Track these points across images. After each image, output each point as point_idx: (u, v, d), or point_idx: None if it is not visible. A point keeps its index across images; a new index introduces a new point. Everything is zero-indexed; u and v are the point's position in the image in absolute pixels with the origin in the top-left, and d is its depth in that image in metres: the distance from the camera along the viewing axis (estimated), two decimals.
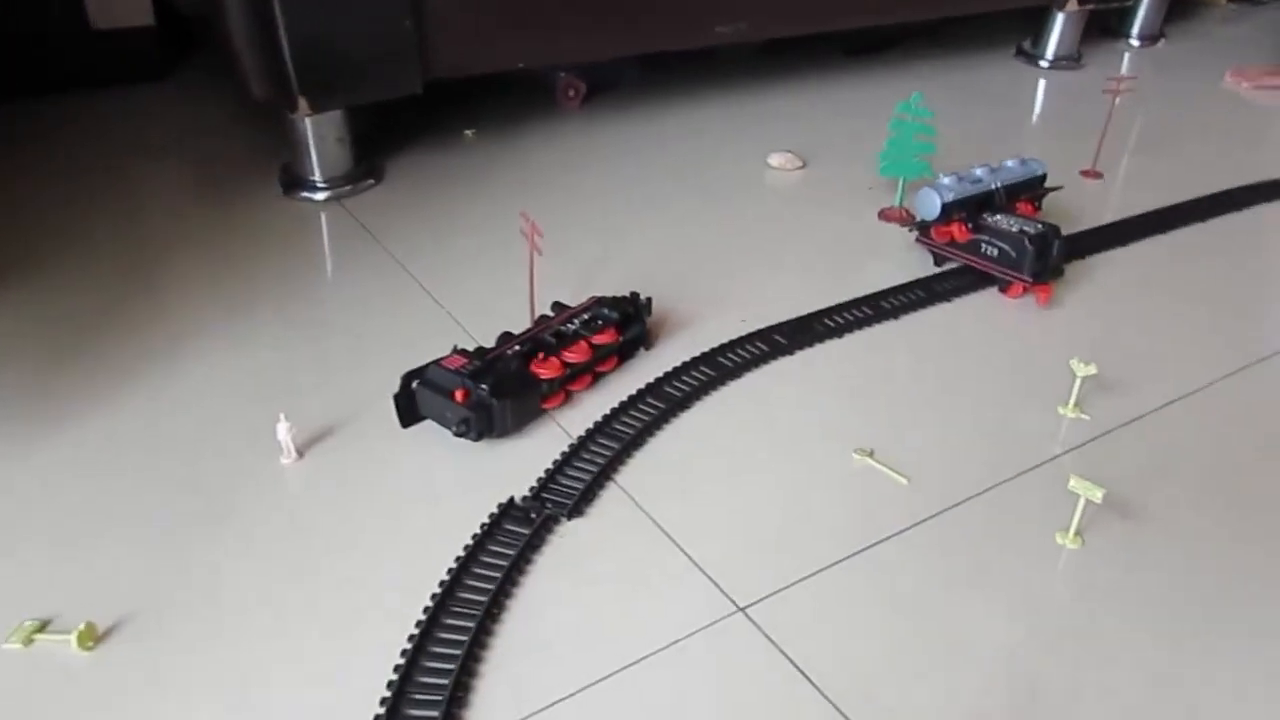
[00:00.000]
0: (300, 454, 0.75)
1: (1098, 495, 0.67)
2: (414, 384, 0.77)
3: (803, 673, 0.58)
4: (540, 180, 1.24)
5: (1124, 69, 1.76)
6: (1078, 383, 0.82)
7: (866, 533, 0.69)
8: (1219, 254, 1.11)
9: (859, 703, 0.57)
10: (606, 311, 0.86)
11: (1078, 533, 0.69)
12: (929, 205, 1.00)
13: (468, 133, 1.34)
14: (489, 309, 0.93)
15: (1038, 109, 1.59)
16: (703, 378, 0.85)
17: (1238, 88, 1.66)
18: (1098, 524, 0.71)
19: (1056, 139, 1.44)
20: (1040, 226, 0.97)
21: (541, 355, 0.80)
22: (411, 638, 0.58)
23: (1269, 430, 0.82)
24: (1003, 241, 0.98)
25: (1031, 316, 0.97)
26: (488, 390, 0.75)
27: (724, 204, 1.19)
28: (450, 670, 0.56)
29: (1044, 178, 1.08)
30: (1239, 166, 1.32)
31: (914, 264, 1.05)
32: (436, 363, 0.77)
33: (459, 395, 0.74)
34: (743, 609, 0.63)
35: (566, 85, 1.44)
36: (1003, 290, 1.00)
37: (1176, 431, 0.82)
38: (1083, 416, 0.82)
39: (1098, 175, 1.28)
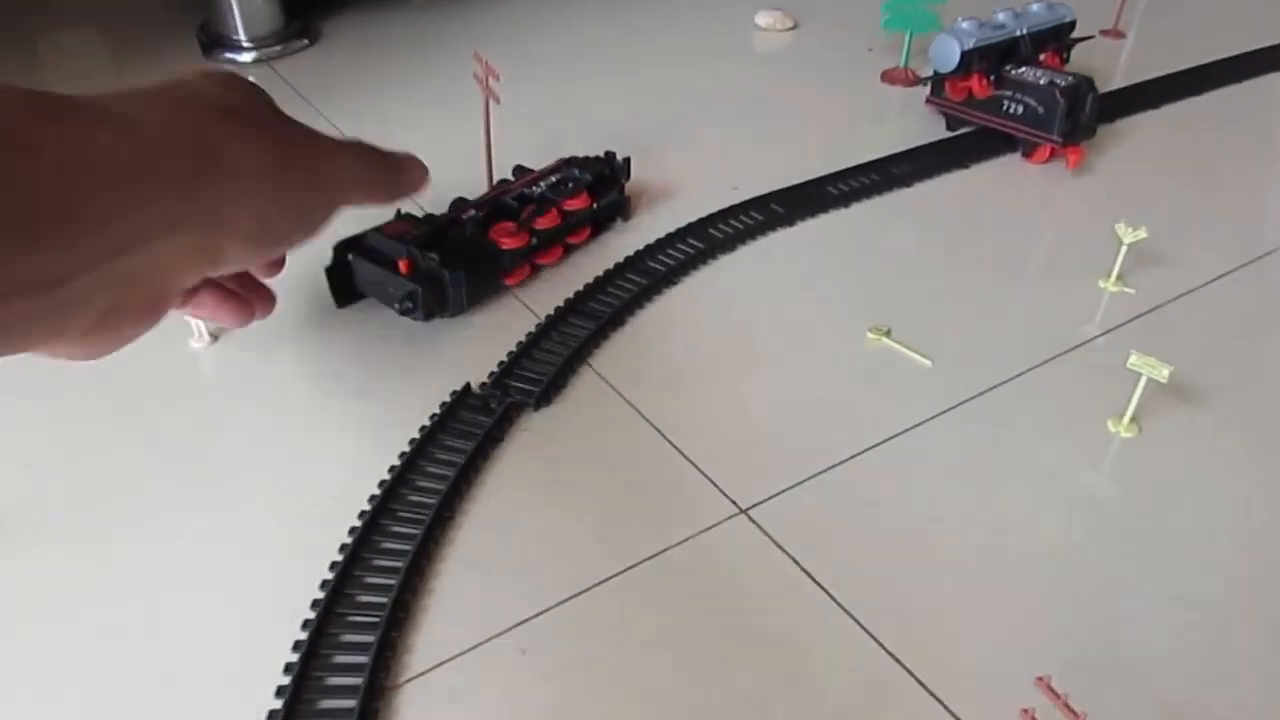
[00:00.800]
0: (214, 337, 0.63)
1: (1164, 374, 0.56)
2: (349, 255, 0.65)
3: (814, 580, 0.48)
4: (498, 42, 1.09)
5: None
6: (1123, 250, 0.71)
7: (885, 422, 0.59)
8: (1259, 116, 1.00)
9: (873, 610, 0.47)
10: (578, 173, 0.73)
11: (1134, 419, 0.59)
12: (946, 54, 0.87)
13: None
14: (439, 178, 0.80)
15: None
16: (690, 250, 0.73)
17: None
18: (1152, 410, 0.61)
19: None
20: (1071, 78, 0.85)
21: (504, 222, 0.68)
22: (344, 548, 0.47)
23: None
24: (1029, 96, 0.85)
25: (1060, 183, 0.86)
26: (438, 260, 0.62)
27: (706, 68, 1.05)
28: (390, 586, 0.45)
29: (1073, 25, 0.96)
30: (1275, 22, 1.20)
31: (923, 131, 0.93)
32: (377, 229, 0.64)
33: (403, 266, 0.62)
34: (745, 511, 0.52)
35: None
36: (1026, 155, 0.88)
37: (1230, 307, 0.71)
38: (1126, 290, 0.72)
39: (1119, 35, 1.16)
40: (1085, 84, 0.84)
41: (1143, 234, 0.70)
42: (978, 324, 0.69)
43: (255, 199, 0.28)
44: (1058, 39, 0.94)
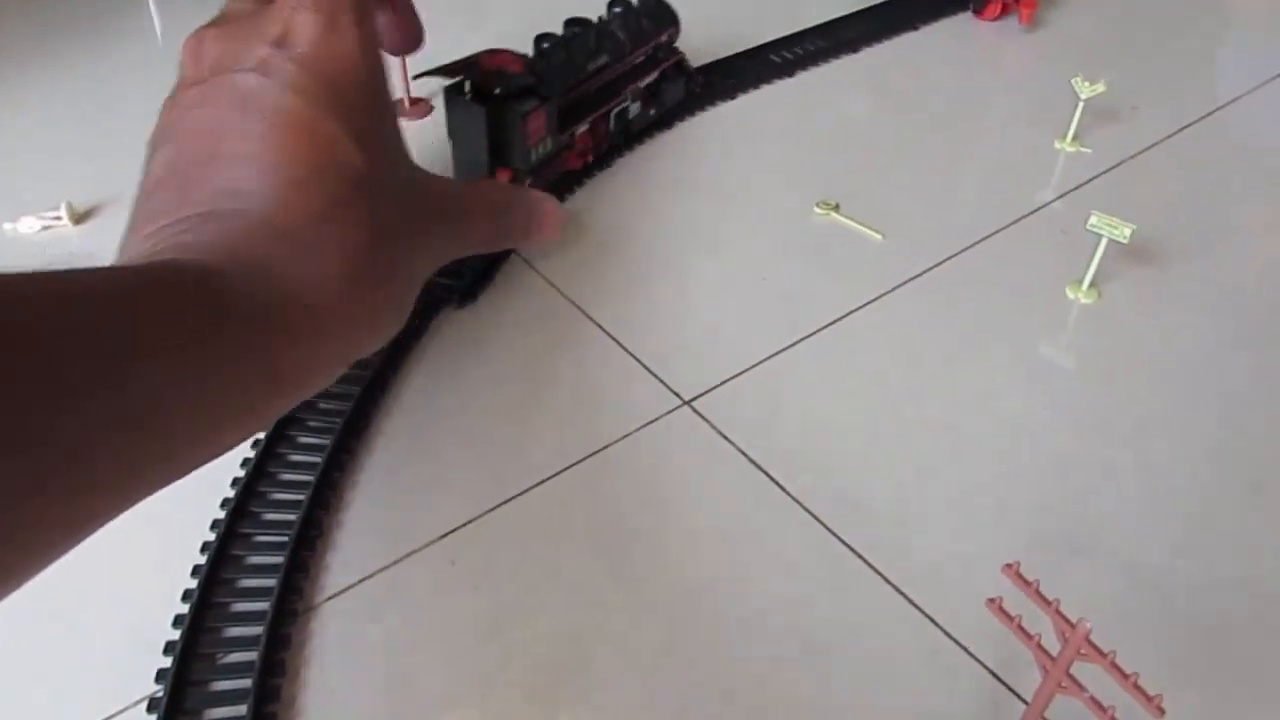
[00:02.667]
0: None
1: (1125, 233, 0.53)
2: None
3: (763, 470, 0.45)
4: None
5: None
6: (1080, 107, 0.67)
7: (835, 301, 0.55)
8: None
9: (826, 499, 0.44)
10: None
11: (1093, 284, 0.56)
12: None
13: None
14: None
15: None
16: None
17: None
18: (1111, 274, 0.58)
19: None
20: None
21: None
22: (246, 463, 0.43)
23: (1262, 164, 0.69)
24: None
25: (1013, 40, 0.81)
26: None
27: None
28: (299, 502, 0.41)
29: None
30: None
31: None
32: None
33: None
34: (688, 402, 0.49)
35: None
36: (977, 11, 0.83)
37: (1188, 164, 0.68)
38: (1083, 150, 0.68)
39: None
40: None
41: (1101, 87, 0.66)
42: (930, 193, 0.65)
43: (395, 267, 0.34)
44: None
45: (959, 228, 0.61)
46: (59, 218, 0.58)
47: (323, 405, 0.45)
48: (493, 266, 0.56)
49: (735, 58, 0.77)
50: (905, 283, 0.57)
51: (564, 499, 0.44)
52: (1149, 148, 0.69)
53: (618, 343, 0.52)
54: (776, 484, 0.45)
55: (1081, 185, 0.65)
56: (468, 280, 0.54)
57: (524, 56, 0.56)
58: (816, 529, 0.43)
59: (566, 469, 0.45)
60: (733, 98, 0.73)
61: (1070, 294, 0.56)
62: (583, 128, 0.61)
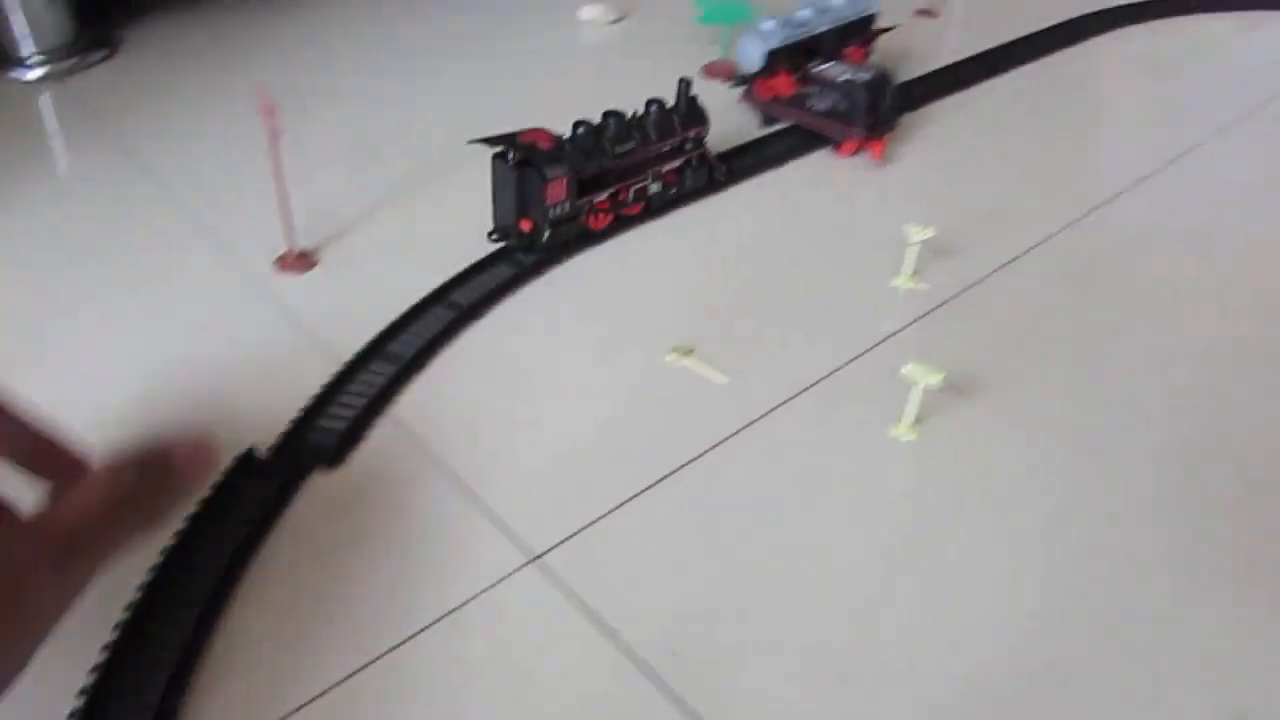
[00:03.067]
0: None
1: (936, 380, 0.59)
2: None
3: (607, 627, 0.50)
4: (312, 48, 1.06)
5: None
6: (913, 249, 0.74)
7: (680, 449, 0.60)
8: (1057, 92, 1.04)
9: (669, 658, 0.49)
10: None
11: (916, 422, 0.62)
12: (750, 55, 0.89)
13: None
14: (254, 214, 0.79)
15: None
16: (498, 278, 0.73)
17: None
18: (937, 409, 0.64)
19: None
20: (871, 73, 0.87)
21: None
22: (107, 647, 0.46)
23: (1109, 281, 0.76)
24: (833, 92, 0.87)
25: (866, 176, 0.89)
26: None
27: (529, 69, 1.05)
28: (156, 684, 0.44)
29: (874, 18, 0.98)
30: None
31: (744, 124, 0.94)
32: None
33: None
34: (537, 558, 0.53)
35: None
36: (836, 148, 0.90)
37: (1016, 294, 0.75)
38: (920, 286, 0.75)
39: (933, 15, 1.19)
40: (883, 78, 0.87)
41: (930, 233, 0.72)
42: (778, 333, 0.70)
43: None
44: (861, 32, 0.96)
45: (802, 367, 0.67)
46: None
47: (183, 585, 0.49)
48: (361, 426, 0.60)
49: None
50: (747, 426, 0.62)
51: (415, 666, 0.48)
52: (980, 281, 0.76)
53: (476, 499, 0.56)
54: (616, 640, 0.49)
55: (914, 322, 0.71)
56: (335, 443, 0.58)
57: (558, 136, 0.72)
58: (661, 699, 0.47)
59: (420, 632, 0.49)
60: (600, 242, 0.79)
61: (893, 433, 0.62)
62: (602, 197, 0.76)
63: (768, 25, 0.89)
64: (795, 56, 0.90)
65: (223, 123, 0.92)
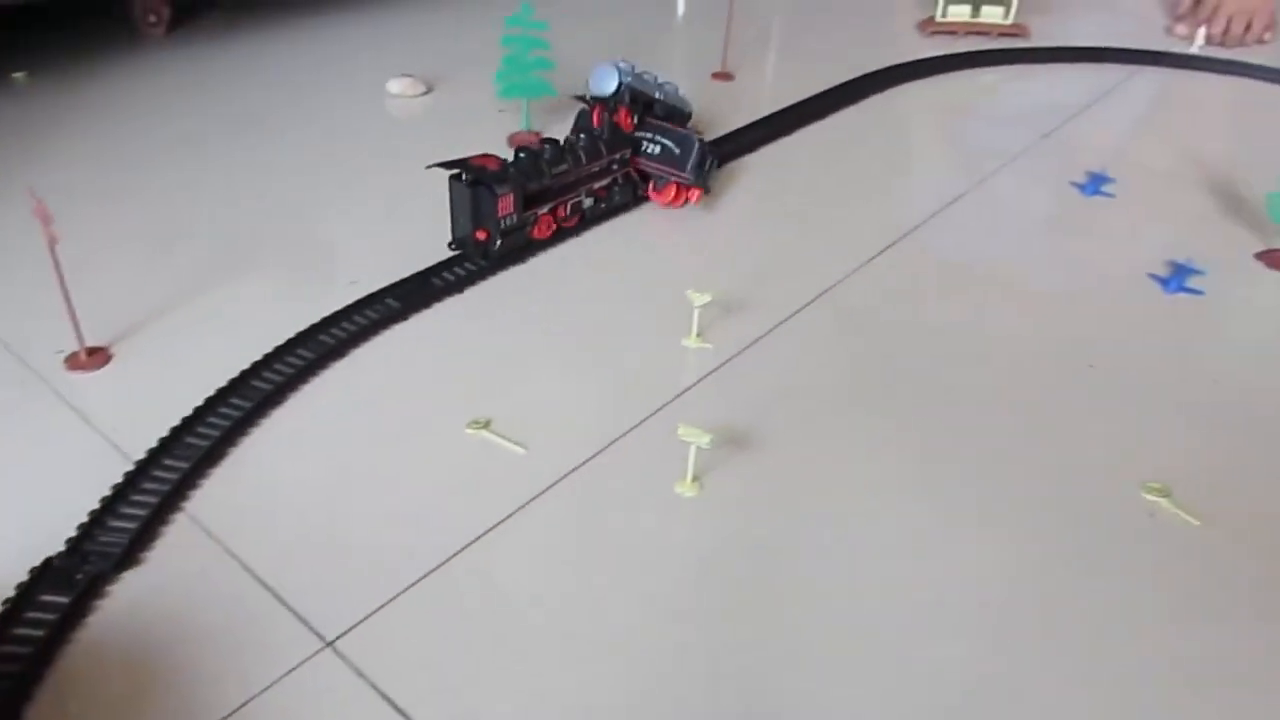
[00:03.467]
0: None
1: (705, 441, 0.64)
2: None
3: (397, 707, 0.52)
4: (115, 129, 1.06)
5: None
6: (696, 313, 0.79)
7: (477, 522, 0.63)
8: (844, 149, 1.13)
9: None
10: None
11: (695, 479, 0.67)
12: (605, 80, 0.93)
13: (17, 75, 1.13)
14: (40, 316, 0.78)
15: (681, 10, 1.56)
16: (300, 362, 0.75)
17: None
18: (719, 464, 0.69)
19: (691, 41, 1.41)
20: (697, 134, 0.95)
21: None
22: None
23: (880, 330, 0.84)
24: (668, 138, 0.94)
25: (664, 236, 0.94)
26: None
27: (337, 143, 1.07)
28: None
29: (690, 115, 1.05)
30: (868, 52, 1.34)
31: None
32: None
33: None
34: (331, 643, 0.55)
35: (146, 9, 1.24)
36: (656, 191, 0.96)
37: (799, 344, 0.81)
38: (705, 346, 0.80)
39: (728, 77, 1.27)
40: (703, 141, 0.94)
41: (708, 298, 0.78)
42: (573, 399, 0.74)
43: None
44: (675, 118, 1.02)
45: (594, 431, 0.71)
46: None
47: None
48: (154, 524, 0.61)
49: (414, 277, 0.85)
50: (543, 492, 0.66)
51: None
52: (761, 337, 0.82)
53: (269, 589, 0.58)
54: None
55: (703, 379, 0.77)
56: (125, 547, 0.59)
57: (503, 159, 0.85)
58: None
59: None
60: (406, 318, 0.81)
61: (678, 489, 0.67)
62: (544, 210, 0.89)
63: (624, 64, 0.94)
64: (636, 100, 0.96)
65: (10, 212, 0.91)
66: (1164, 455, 0.71)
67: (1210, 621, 0.59)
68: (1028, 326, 0.84)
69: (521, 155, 0.86)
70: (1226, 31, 1.43)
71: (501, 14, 1.00)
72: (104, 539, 0.59)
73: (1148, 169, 1.10)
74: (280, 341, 0.76)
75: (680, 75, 1.08)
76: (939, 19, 1.43)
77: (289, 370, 0.74)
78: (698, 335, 0.80)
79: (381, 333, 0.80)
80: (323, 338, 0.78)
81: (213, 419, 0.69)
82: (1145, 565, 0.63)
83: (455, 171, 0.84)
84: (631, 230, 0.95)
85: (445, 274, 0.86)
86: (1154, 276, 0.91)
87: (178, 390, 0.71)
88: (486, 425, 0.71)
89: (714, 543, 0.63)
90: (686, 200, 0.97)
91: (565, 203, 0.91)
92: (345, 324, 0.79)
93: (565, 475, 0.67)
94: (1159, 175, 1.09)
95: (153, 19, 1.23)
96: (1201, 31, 1.42)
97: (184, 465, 0.65)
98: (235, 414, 0.69)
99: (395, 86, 1.15)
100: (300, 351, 0.76)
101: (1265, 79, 1.35)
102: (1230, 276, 0.92)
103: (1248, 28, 1.43)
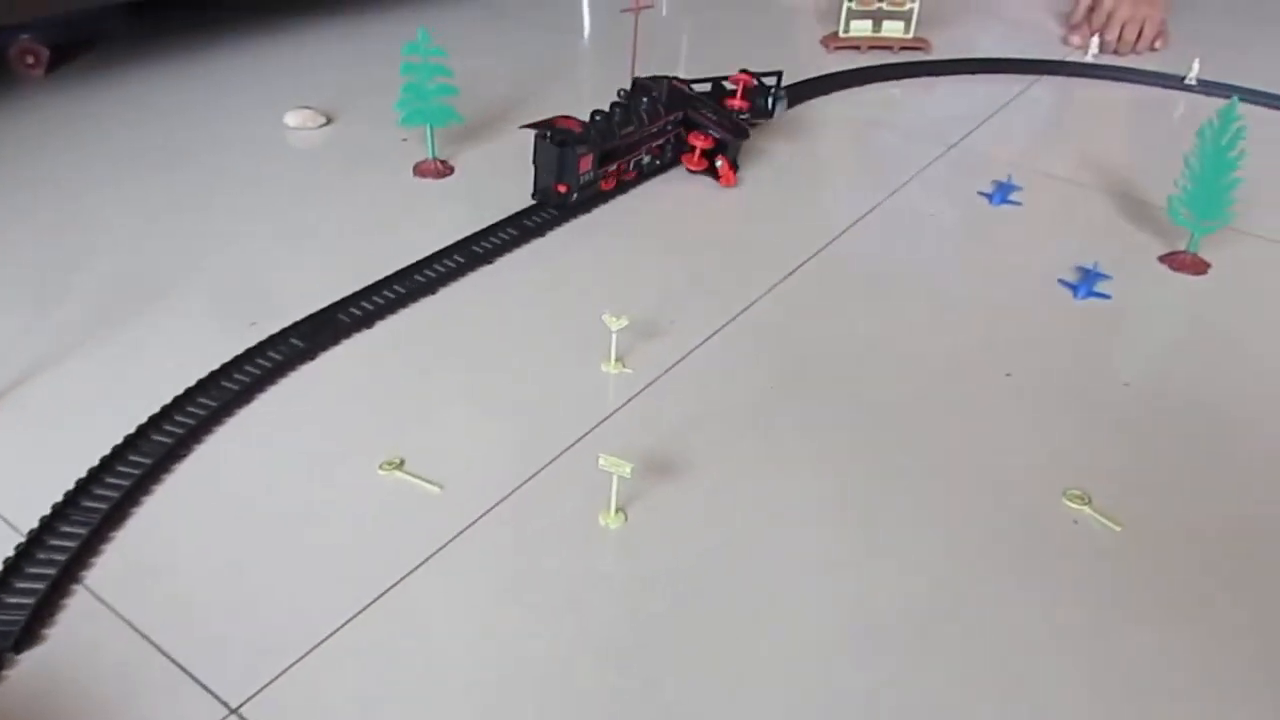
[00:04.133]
0: None
1: (627, 470, 0.62)
2: None
3: None
4: None
5: None
6: (614, 337, 0.78)
7: (392, 568, 0.60)
8: (756, 165, 1.12)
9: None
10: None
11: (619, 509, 0.65)
12: None
13: None
14: None
15: (587, 30, 1.55)
16: (200, 413, 0.71)
17: None
18: (643, 492, 0.67)
19: (602, 64, 1.41)
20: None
21: None
22: None
23: (799, 347, 0.83)
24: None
25: (578, 259, 0.92)
26: None
27: (232, 180, 1.03)
28: None
29: None
30: (795, 62, 1.35)
31: (460, 222, 0.96)
32: None
33: None
34: (236, 709, 0.52)
35: (22, 51, 1.18)
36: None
37: (717, 369, 0.80)
38: (625, 371, 0.79)
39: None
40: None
41: (625, 322, 0.76)
42: (490, 433, 0.72)
43: None
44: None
45: (514, 467, 0.69)
46: None
47: None
48: (52, 598, 0.57)
49: (320, 314, 0.82)
50: (461, 532, 0.63)
51: None
52: (681, 359, 0.81)
53: (171, 660, 0.54)
54: None
55: (624, 406, 0.75)
56: (24, 621, 0.55)
57: (584, 121, 0.98)
58: None
59: None
60: (313, 358, 0.78)
61: (602, 520, 0.65)
62: (613, 167, 1.01)
63: None
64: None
65: None
66: (1083, 462, 0.71)
67: (1136, 628, 0.59)
68: (944, 338, 0.85)
69: (598, 118, 0.99)
70: (1120, 39, 1.47)
71: (403, 41, 0.98)
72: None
73: (1052, 176, 1.12)
74: (179, 391, 0.72)
75: (586, 96, 1.06)
76: (842, 34, 1.44)
77: (189, 422, 0.70)
78: (617, 360, 0.79)
79: (288, 374, 0.76)
80: (224, 384, 0.74)
81: (109, 480, 0.65)
82: (1071, 574, 0.63)
83: (542, 133, 0.96)
84: (548, 256, 0.93)
85: (353, 308, 0.83)
86: (1064, 283, 0.92)
87: (68, 451, 0.67)
88: (400, 465, 0.68)
89: (641, 574, 0.61)
90: (717, 175, 1.07)
91: (629, 160, 1.03)
92: (248, 368, 0.76)
93: (485, 513, 0.65)
94: (1063, 182, 1.12)
95: (30, 59, 1.18)
96: (1095, 40, 1.46)
97: (81, 533, 0.61)
98: (133, 473, 0.65)
99: (293, 119, 1.12)
100: (200, 400, 0.72)
101: (1159, 84, 1.39)
102: (1136, 280, 0.93)
103: (1139, 35, 1.47)
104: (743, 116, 1.09)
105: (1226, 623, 0.60)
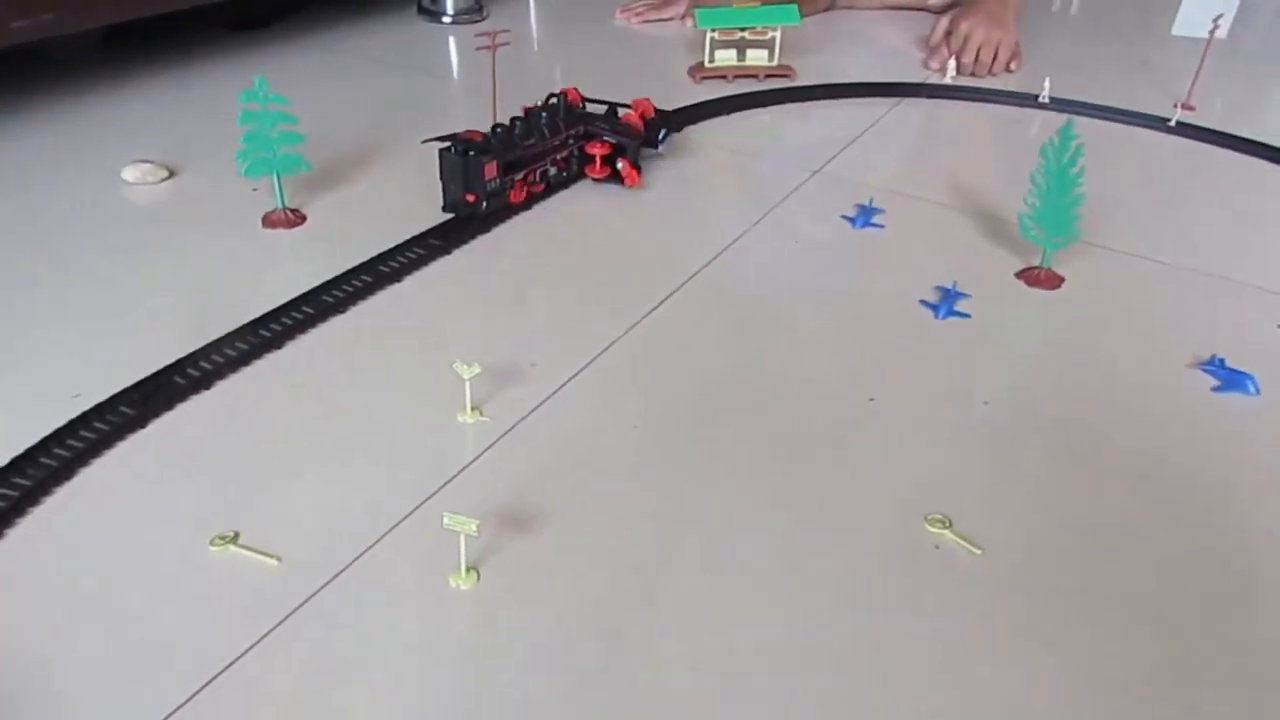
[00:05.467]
0: None
1: (473, 528, 0.59)
2: None
3: None
4: None
5: (531, 14, 1.76)
6: (467, 386, 0.74)
7: (225, 650, 0.56)
8: (624, 197, 1.11)
9: None
10: None
11: (470, 568, 0.62)
12: None
13: None
14: None
15: (446, 68, 1.53)
16: (13, 494, 0.66)
17: (628, 23, 1.73)
18: (499, 547, 0.64)
19: (463, 99, 1.38)
20: None
21: None
22: None
23: (663, 382, 0.81)
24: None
25: (428, 311, 0.89)
26: None
27: (64, 242, 0.97)
28: None
29: None
30: (666, 92, 1.34)
31: (312, 271, 0.92)
32: None
33: None
34: None
35: None
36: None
37: (578, 412, 0.77)
38: (483, 419, 0.76)
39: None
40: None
41: (477, 369, 0.74)
42: (336, 496, 0.68)
43: None
44: None
45: (361, 531, 0.65)
46: None
47: None
48: None
49: (153, 378, 0.77)
50: (300, 606, 0.59)
51: None
52: (546, 399, 0.78)
53: None
54: None
55: (477, 458, 0.72)
56: None
57: (486, 134, 1.02)
58: None
59: None
60: (145, 425, 0.73)
61: (452, 582, 0.61)
62: (518, 176, 1.05)
63: None
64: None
65: None
66: (945, 485, 0.71)
67: (995, 653, 0.58)
68: (809, 364, 0.84)
69: (498, 130, 1.03)
70: (976, 60, 1.51)
71: (274, 81, 0.94)
72: None
73: (913, 197, 1.14)
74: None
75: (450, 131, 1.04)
76: (708, 64, 1.45)
77: (1, 504, 0.65)
78: (474, 409, 0.76)
79: (116, 445, 0.71)
80: (43, 460, 0.69)
81: None
82: (932, 601, 0.62)
83: (447, 145, 1.00)
84: (406, 301, 0.90)
85: (190, 370, 0.79)
86: (925, 303, 0.93)
87: None
88: (234, 539, 0.63)
89: (494, 635, 0.58)
90: (621, 179, 1.11)
91: (534, 170, 1.07)
92: (71, 441, 0.70)
93: (327, 582, 0.61)
94: (924, 202, 1.13)
95: None
96: (952, 63, 1.50)
97: None
98: None
99: (131, 174, 1.06)
100: (14, 480, 0.67)
101: (1014, 103, 1.43)
102: (994, 297, 0.94)
103: (995, 57, 1.51)
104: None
105: (1084, 645, 0.59)
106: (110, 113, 1.24)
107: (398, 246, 0.97)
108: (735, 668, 0.57)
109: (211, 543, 0.63)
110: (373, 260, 0.94)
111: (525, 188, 1.06)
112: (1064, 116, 1.35)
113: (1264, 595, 0.64)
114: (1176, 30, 1.77)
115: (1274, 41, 1.92)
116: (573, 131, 1.10)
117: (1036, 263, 0.98)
